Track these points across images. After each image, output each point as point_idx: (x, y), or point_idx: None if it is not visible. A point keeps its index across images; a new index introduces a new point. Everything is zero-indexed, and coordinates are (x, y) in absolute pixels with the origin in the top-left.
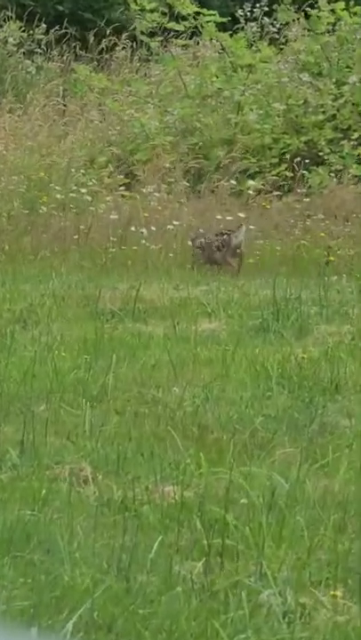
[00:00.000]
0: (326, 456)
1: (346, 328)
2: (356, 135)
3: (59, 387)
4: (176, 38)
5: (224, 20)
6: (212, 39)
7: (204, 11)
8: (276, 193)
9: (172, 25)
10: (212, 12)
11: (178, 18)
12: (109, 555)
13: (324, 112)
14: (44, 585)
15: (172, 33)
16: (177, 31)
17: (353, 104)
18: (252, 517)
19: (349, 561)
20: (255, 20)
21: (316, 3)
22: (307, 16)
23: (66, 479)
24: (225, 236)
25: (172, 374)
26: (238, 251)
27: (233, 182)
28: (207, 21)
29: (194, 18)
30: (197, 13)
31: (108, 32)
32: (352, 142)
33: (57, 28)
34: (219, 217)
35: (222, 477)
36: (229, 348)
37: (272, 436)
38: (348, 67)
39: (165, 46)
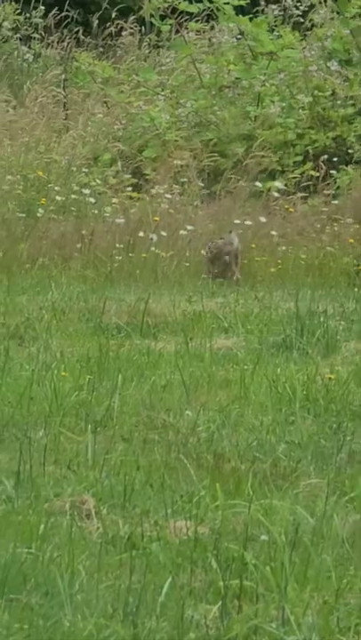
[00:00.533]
0: (356, 488)
1: None
2: None
3: (58, 410)
4: (189, 21)
5: (242, 2)
6: (229, 23)
7: None
8: (300, 194)
9: (184, 6)
10: None
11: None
12: (115, 598)
13: (354, 105)
14: (43, 631)
15: (185, 17)
16: (190, 14)
17: None
18: (273, 556)
19: None
20: (277, 1)
21: None
22: None
23: (66, 513)
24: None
25: (185, 396)
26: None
27: (253, 183)
28: (224, 3)
29: (210, 1)
30: None
31: (113, 15)
32: None
33: (57, 10)
34: (237, 221)
35: (240, 511)
36: (248, 368)
37: (296, 466)
38: None
39: (177, 31)
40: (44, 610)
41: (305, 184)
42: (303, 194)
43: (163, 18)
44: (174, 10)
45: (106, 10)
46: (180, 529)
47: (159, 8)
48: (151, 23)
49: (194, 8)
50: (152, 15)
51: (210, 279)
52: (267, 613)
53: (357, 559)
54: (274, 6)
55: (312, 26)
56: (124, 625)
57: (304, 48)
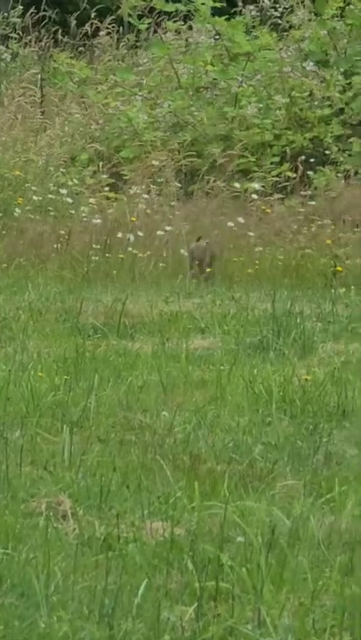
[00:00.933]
0: (332, 489)
1: (354, 346)
2: None
3: (35, 411)
4: (168, 21)
5: (218, 4)
6: (206, 24)
7: None
8: (277, 195)
9: (161, 4)
10: None
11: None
12: (90, 599)
13: (331, 106)
14: (18, 632)
15: (162, 17)
16: (168, 14)
17: None
18: (249, 557)
19: (357, 607)
20: (255, 3)
21: None
22: None
23: (42, 514)
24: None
25: (162, 397)
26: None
27: (230, 183)
28: (201, 4)
29: (188, 2)
30: None
31: (91, 15)
32: None
33: (34, 10)
34: (214, 222)
35: (216, 513)
36: (225, 368)
37: (272, 467)
38: (356, 55)
39: (155, 31)
40: (19, 611)
41: (282, 185)
42: (280, 195)
43: (140, 17)
44: (152, 10)
45: (84, 10)
46: (157, 530)
47: (136, 7)
48: (129, 23)
49: (171, 7)
50: (130, 15)
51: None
52: (243, 615)
53: (333, 561)
54: (251, 7)
55: (290, 27)
56: (100, 626)
57: (281, 49)
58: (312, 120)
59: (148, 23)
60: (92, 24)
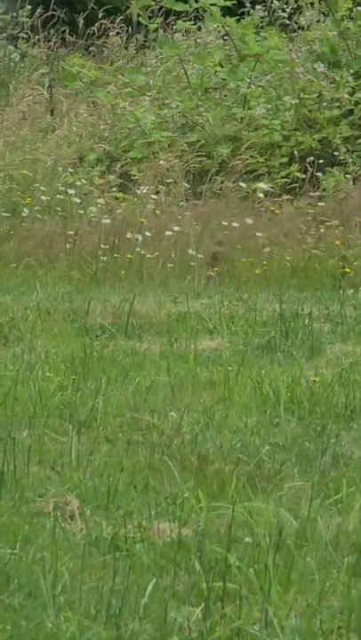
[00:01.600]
0: (340, 491)
1: None
2: None
3: (43, 411)
4: (177, 21)
5: (228, 3)
6: (215, 24)
7: None
8: (286, 196)
9: (171, 3)
10: None
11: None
12: (98, 599)
13: (340, 107)
14: (25, 632)
15: (172, 17)
16: (178, 13)
17: None
18: (256, 558)
19: None
20: (263, 3)
21: None
22: None
23: (50, 514)
24: None
25: (170, 398)
26: None
27: (239, 184)
28: (211, 4)
29: (196, 1)
30: None
31: (100, 15)
32: None
33: (42, 9)
34: (224, 223)
35: (224, 513)
36: (233, 369)
37: (280, 468)
38: None
39: (165, 30)
40: (26, 611)
41: (291, 186)
42: (289, 196)
43: (150, 17)
44: (161, 9)
45: (92, 10)
46: (164, 531)
47: (147, 8)
48: (138, 23)
49: (182, 6)
50: (139, 15)
51: None
52: (250, 616)
53: (341, 562)
54: (259, 6)
55: (299, 28)
56: (107, 626)
57: (291, 50)
58: (321, 121)
59: (158, 23)
60: (100, 24)
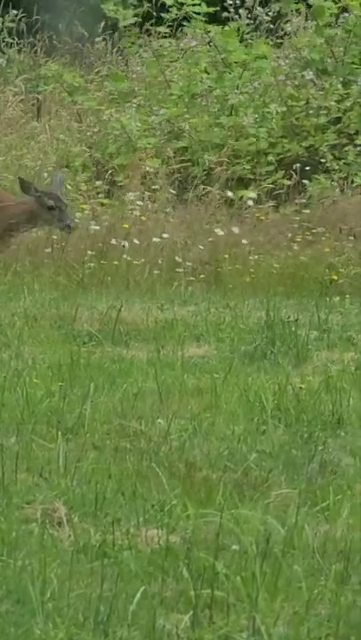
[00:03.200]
0: (327, 498)
1: (349, 355)
2: None
3: (30, 417)
4: (160, 38)
5: (211, 9)
6: (198, 30)
7: (189, 0)
8: (272, 203)
9: (151, 25)
10: (193, 1)
11: (161, 7)
12: (86, 606)
13: (327, 114)
14: (14, 639)
15: (155, 24)
16: (159, 21)
17: None
18: (244, 566)
19: (352, 616)
20: (247, 9)
21: None
22: (309, 5)
23: (38, 521)
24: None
25: (157, 404)
26: None
27: (225, 191)
28: (194, 12)
29: (177, 8)
30: (182, 3)
31: (85, 21)
32: (358, 148)
33: (25, 15)
34: (210, 230)
35: (212, 521)
36: (220, 376)
37: (267, 476)
38: (354, 63)
39: (149, 35)
40: (15, 617)
41: (277, 193)
42: (275, 203)
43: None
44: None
45: (78, 15)
46: (152, 538)
47: (129, 22)
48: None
49: (164, 24)
50: (125, 27)
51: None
52: (238, 623)
53: (328, 570)
54: (242, 11)
55: (285, 34)
56: (95, 633)
57: (278, 57)
58: (308, 128)
59: (140, 35)
60: (86, 29)
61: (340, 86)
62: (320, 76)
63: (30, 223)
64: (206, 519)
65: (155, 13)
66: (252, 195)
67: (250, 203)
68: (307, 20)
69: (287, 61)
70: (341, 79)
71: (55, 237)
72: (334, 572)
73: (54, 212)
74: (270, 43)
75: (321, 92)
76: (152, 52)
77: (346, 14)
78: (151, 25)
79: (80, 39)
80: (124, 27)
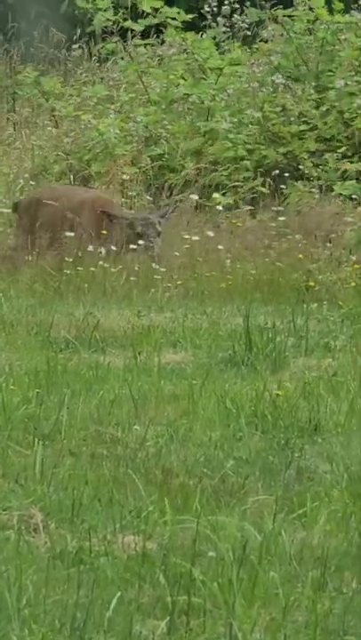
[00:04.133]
0: (304, 505)
1: (327, 362)
2: (341, 147)
3: (6, 424)
4: (140, 38)
5: (188, 17)
6: (176, 37)
7: (166, 9)
8: (249, 209)
9: (128, 24)
10: (175, 8)
11: (139, 14)
12: (62, 612)
13: (306, 121)
14: None
15: (133, 31)
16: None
17: (338, 112)
18: (221, 572)
19: (329, 622)
20: (225, 17)
21: None
22: (283, 15)
23: (14, 527)
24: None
25: (133, 411)
26: None
27: (201, 197)
28: (171, 18)
29: (154, 16)
30: (159, 10)
31: (62, 28)
32: (336, 155)
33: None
34: (186, 236)
35: (188, 527)
36: (197, 383)
37: (244, 482)
38: (329, 70)
39: (125, 43)
40: None
41: (255, 199)
42: (252, 209)
43: (112, 33)
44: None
45: (55, 23)
46: (129, 544)
47: (106, 27)
48: (102, 38)
49: (138, 26)
50: (103, 31)
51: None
52: (214, 630)
53: (305, 576)
54: (220, 19)
55: (261, 41)
56: None
57: (253, 64)
58: (286, 135)
59: (116, 41)
60: (63, 37)
61: (312, 91)
62: (293, 83)
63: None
64: (183, 525)
65: (129, 20)
66: (224, 200)
67: (219, 207)
68: (282, 27)
69: (260, 68)
70: (314, 84)
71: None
72: (311, 578)
73: (142, 237)
74: (247, 50)
75: (296, 99)
76: (130, 57)
77: (319, 21)
78: (128, 30)
79: (56, 46)
80: (102, 30)
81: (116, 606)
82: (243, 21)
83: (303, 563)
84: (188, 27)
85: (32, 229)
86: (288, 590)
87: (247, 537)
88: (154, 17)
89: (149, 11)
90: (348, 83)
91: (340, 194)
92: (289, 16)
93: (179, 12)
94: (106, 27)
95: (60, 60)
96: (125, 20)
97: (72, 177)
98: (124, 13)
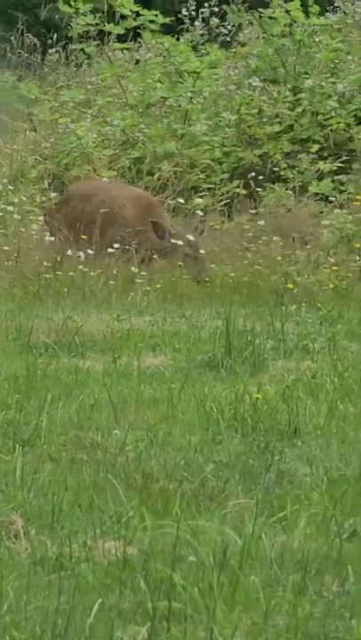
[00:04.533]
0: (284, 508)
1: (306, 364)
2: (315, 148)
3: None
4: (117, 42)
5: (167, 20)
6: (154, 41)
7: (145, 11)
8: (227, 212)
9: (108, 28)
10: (153, 11)
11: (118, 18)
12: (43, 619)
13: (280, 122)
14: None
15: (111, 35)
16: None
17: (313, 113)
18: (201, 577)
19: (310, 626)
20: (203, 20)
21: (271, 1)
22: (261, 17)
23: None
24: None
25: (113, 415)
26: None
27: (179, 200)
28: (149, 21)
29: (133, 19)
30: (138, 14)
31: (40, 33)
32: (311, 156)
33: None
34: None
35: (169, 532)
36: (176, 386)
37: (224, 486)
38: (306, 72)
39: (101, 49)
40: None
41: (231, 201)
42: (229, 211)
43: (89, 38)
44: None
45: (33, 28)
46: (109, 550)
47: (84, 30)
48: (79, 41)
49: (118, 29)
50: (79, 36)
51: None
52: (195, 635)
53: (286, 580)
54: (198, 23)
55: (238, 44)
56: None
57: (229, 67)
58: (261, 137)
59: (96, 45)
60: (41, 41)
61: (288, 93)
62: (269, 85)
63: (166, 256)
64: (163, 530)
65: (105, 24)
66: (203, 203)
67: (199, 212)
68: (260, 29)
69: (237, 71)
70: (290, 87)
71: (12, 249)
72: (292, 582)
73: (189, 259)
74: (225, 53)
75: (272, 101)
76: (109, 60)
77: (296, 23)
78: (105, 34)
79: (33, 50)
80: (79, 35)
81: (97, 612)
82: (222, 25)
83: (284, 566)
84: (166, 30)
85: (73, 226)
86: (269, 594)
87: (227, 541)
88: (134, 20)
89: (129, 13)
90: (323, 84)
91: (316, 194)
92: (268, 17)
93: (157, 15)
94: (84, 31)
95: (36, 64)
96: (104, 23)
97: (49, 181)
98: (100, 17)
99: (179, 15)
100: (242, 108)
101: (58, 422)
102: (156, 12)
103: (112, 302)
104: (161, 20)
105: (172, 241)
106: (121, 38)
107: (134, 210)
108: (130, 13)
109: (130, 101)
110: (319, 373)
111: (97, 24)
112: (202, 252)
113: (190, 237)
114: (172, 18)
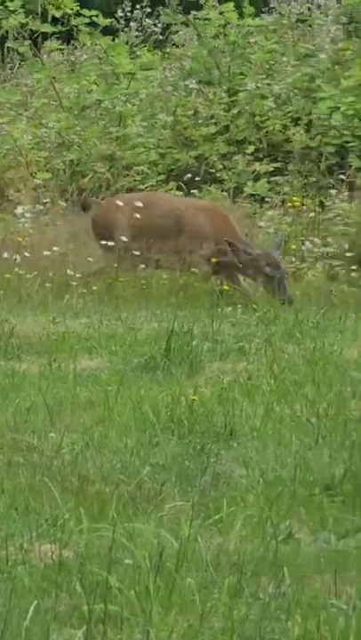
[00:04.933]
0: (220, 510)
1: (242, 365)
2: (251, 149)
3: None
4: (51, 40)
5: (107, 22)
6: (88, 42)
7: (85, 11)
8: None
9: (41, 26)
10: (90, 12)
11: (53, 18)
12: None
13: (216, 124)
14: None
15: (47, 36)
16: (52, 33)
17: (250, 114)
18: (137, 580)
19: (246, 628)
20: (136, 21)
21: (206, 2)
22: (195, 18)
23: None
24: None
25: (49, 418)
26: None
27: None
28: (86, 24)
29: (68, 20)
30: (77, 14)
31: None
32: (247, 157)
33: None
34: (103, 241)
35: (105, 535)
36: (112, 389)
37: (160, 488)
38: (241, 73)
39: (33, 49)
40: None
41: None
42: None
43: (23, 38)
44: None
45: None
46: (45, 552)
47: (16, 29)
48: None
49: (49, 28)
50: (14, 35)
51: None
52: (131, 637)
53: (221, 582)
54: (133, 24)
55: (173, 45)
56: None
57: (165, 68)
58: (197, 138)
59: (28, 44)
60: None
61: (224, 94)
62: (205, 87)
63: (241, 274)
64: (99, 533)
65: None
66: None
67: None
68: (195, 30)
69: (173, 72)
70: (225, 88)
71: None
72: (228, 584)
73: (272, 280)
74: (158, 54)
75: (207, 102)
76: (42, 62)
77: (230, 24)
78: (40, 36)
79: None
80: (14, 36)
81: (33, 615)
82: (155, 25)
83: (220, 569)
84: (102, 31)
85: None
86: (205, 597)
87: (164, 544)
88: (74, 18)
89: (71, 12)
90: (259, 85)
91: (252, 195)
92: (202, 19)
93: (97, 15)
94: (18, 32)
95: None
96: (37, 23)
97: None
98: (34, 18)
99: (115, 16)
100: (177, 109)
101: None
102: (97, 13)
103: (48, 305)
104: (102, 21)
105: (260, 262)
106: (54, 37)
107: (211, 222)
108: (70, 11)
109: (64, 104)
110: (255, 375)
111: (27, 23)
112: (285, 273)
113: (276, 258)
114: (111, 19)
